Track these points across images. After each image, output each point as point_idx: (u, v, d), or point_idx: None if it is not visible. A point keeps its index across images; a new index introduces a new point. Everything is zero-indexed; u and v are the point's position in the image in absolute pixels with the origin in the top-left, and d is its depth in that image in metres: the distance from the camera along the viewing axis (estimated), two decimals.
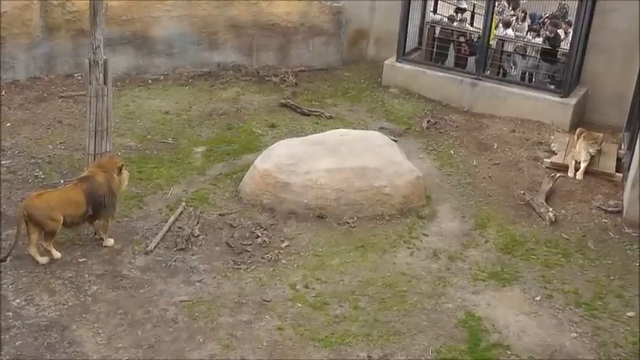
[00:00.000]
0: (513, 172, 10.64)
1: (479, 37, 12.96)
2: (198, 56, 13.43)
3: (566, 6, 13.44)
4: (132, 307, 7.25)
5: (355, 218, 9.02)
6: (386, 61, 13.47)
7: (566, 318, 7.57)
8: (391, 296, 7.69)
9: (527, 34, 13.13)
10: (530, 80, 13.02)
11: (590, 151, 10.55)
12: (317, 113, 12.05)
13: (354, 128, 11.08)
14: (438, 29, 13.74)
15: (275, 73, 13.54)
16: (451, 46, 13.59)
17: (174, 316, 7.17)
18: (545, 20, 13.33)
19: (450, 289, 7.90)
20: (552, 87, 12.55)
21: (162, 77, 13.09)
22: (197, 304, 7.37)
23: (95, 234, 8.24)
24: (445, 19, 13.85)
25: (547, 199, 9.76)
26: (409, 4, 13.00)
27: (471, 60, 13.23)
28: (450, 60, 13.60)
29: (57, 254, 7.81)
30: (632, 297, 7.97)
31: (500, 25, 13.17)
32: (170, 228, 8.57)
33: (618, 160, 11.00)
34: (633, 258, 8.72)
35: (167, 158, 10.28)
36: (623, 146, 11.43)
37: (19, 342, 6.67)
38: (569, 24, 12.70)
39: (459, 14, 13.78)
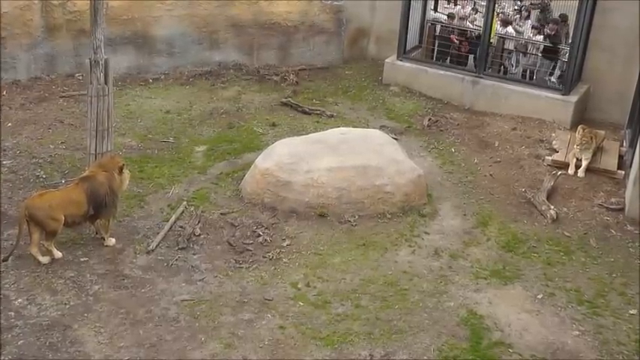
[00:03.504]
0: (515, 170, 10.63)
1: (478, 35, 12.94)
2: (198, 55, 13.44)
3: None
4: (133, 306, 7.26)
5: (356, 217, 9.02)
6: (387, 60, 13.46)
7: (568, 316, 7.56)
8: (393, 295, 7.69)
9: (527, 31, 13.12)
10: (532, 78, 13.01)
11: (578, 148, 10.48)
12: (318, 112, 12.04)
13: (355, 127, 11.07)
14: (438, 27, 13.72)
15: (276, 72, 13.53)
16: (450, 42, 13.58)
17: (175, 316, 7.17)
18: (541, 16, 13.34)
19: (451, 287, 7.89)
20: (553, 84, 12.53)
21: (163, 77, 13.09)
22: (199, 303, 7.37)
23: (96, 233, 8.25)
24: (444, 17, 13.83)
25: (549, 197, 9.75)
26: (409, 2, 12.98)
27: (472, 58, 13.21)
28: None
29: (58, 254, 7.81)
30: (634, 295, 7.96)
31: (499, 23, 13.14)
32: (171, 227, 8.57)
33: (620, 157, 10.98)
34: (635, 255, 8.71)
35: (168, 157, 10.28)
36: (624, 143, 11.42)
37: (21, 341, 6.68)
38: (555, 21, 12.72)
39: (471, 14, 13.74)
